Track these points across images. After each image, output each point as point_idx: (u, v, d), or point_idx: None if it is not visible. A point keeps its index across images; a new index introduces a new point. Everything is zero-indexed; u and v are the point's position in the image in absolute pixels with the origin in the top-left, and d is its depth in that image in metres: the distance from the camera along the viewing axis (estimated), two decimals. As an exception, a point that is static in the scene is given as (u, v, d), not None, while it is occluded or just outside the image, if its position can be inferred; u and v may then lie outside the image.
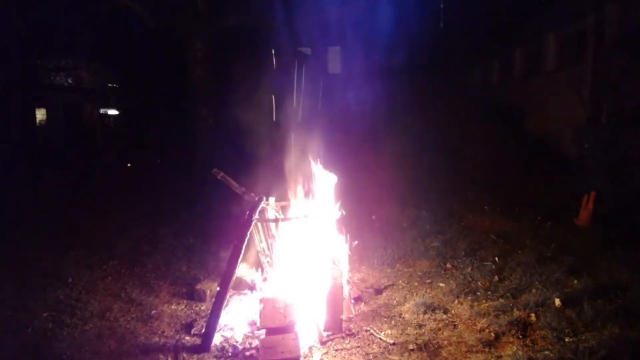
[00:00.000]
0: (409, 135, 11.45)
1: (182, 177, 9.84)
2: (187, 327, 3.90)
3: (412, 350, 3.44)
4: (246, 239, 3.76)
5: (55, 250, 5.59)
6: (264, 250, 4.44)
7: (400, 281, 4.83)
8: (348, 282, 4.37)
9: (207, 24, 10.02)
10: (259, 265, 4.55)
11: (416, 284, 4.75)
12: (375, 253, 5.55)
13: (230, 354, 3.44)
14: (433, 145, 11.78)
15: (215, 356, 3.43)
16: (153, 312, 4.17)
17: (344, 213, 4.42)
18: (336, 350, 3.50)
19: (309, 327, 3.67)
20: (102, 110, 24.68)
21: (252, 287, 4.45)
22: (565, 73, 11.03)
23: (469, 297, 4.28)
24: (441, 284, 4.65)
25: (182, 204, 7.78)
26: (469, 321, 3.87)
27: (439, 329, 3.74)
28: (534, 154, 10.77)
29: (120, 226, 6.66)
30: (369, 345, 3.56)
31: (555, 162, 9.94)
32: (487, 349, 3.40)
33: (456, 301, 4.24)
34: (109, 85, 23.38)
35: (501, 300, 4.17)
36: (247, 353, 3.44)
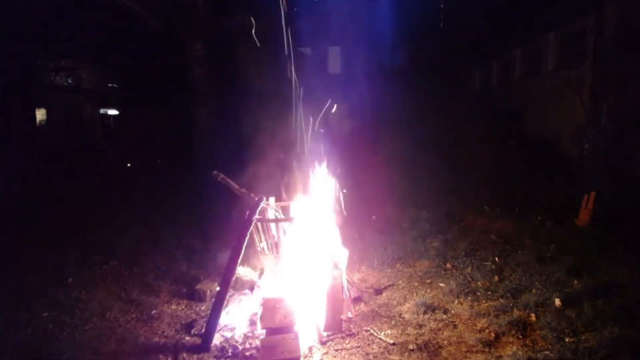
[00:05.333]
0: (409, 135, 11.47)
1: (182, 177, 9.85)
2: (187, 327, 3.90)
3: (412, 350, 3.44)
4: (246, 239, 3.76)
5: (55, 250, 5.59)
6: (263, 250, 4.45)
7: (400, 281, 4.83)
8: (348, 282, 4.37)
9: (207, 24, 10.02)
10: (259, 265, 4.55)
11: (416, 284, 4.75)
12: (375, 253, 5.55)
13: (230, 354, 3.44)
14: (433, 145, 11.79)
15: (215, 356, 3.43)
16: (153, 312, 4.17)
17: (344, 213, 4.42)
18: (336, 350, 3.50)
19: (309, 327, 3.67)
20: (102, 110, 24.69)
21: (252, 287, 4.45)
22: (565, 73, 11.03)
23: (469, 297, 4.28)
24: (441, 284, 4.65)
25: (182, 204, 7.78)
26: (469, 321, 3.87)
27: (439, 329, 3.74)
28: (534, 154, 10.77)
29: (120, 226, 6.66)
30: (369, 345, 3.57)
31: (555, 162, 9.94)
32: (487, 349, 3.41)
33: (456, 301, 4.24)
34: (109, 85, 23.39)
35: (501, 300, 4.17)
36: (247, 353, 3.44)
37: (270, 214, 4.38)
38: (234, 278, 3.79)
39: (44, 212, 7.57)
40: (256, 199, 3.86)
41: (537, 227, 6.29)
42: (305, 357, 3.40)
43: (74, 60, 19.03)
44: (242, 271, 4.48)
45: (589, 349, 3.22)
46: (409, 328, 3.79)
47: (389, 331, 3.76)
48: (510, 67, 15.46)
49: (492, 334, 3.60)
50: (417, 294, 4.44)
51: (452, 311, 4.05)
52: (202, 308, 4.26)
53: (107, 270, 5.12)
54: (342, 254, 4.36)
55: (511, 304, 4.03)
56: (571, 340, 3.42)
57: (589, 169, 7.23)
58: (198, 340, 3.64)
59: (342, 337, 3.67)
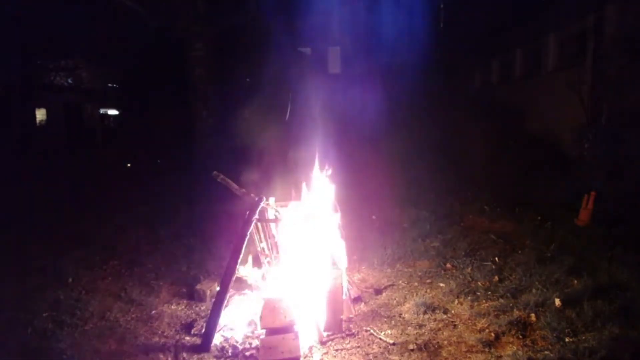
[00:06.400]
0: (409, 135, 11.46)
1: (182, 177, 9.84)
2: (187, 327, 3.90)
3: (412, 350, 3.44)
4: (246, 239, 3.76)
5: (55, 250, 5.59)
6: (264, 250, 4.45)
7: (400, 281, 4.83)
8: (348, 282, 4.37)
9: (207, 24, 10.02)
10: (259, 265, 4.55)
11: (416, 284, 4.75)
12: (375, 253, 5.55)
13: (230, 354, 3.45)
14: (433, 145, 11.79)
15: (215, 356, 3.43)
16: (153, 312, 4.17)
17: (339, 212, 4.42)
18: (336, 350, 3.51)
19: (309, 327, 3.67)
20: (102, 110, 24.70)
21: (252, 287, 4.45)
22: (565, 73, 11.03)
23: (469, 297, 4.28)
24: (441, 284, 4.65)
25: (182, 204, 7.78)
26: (469, 321, 3.87)
27: (439, 329, 3.74)
28: (534, 154, 10.76)
29: (120, 226, 6.67)
30: (369, 345, 3.57)
31: (555, 162, 9.94)
32: (487, 349, 3.41)
33: (456, 301, 4.24)
34: (109, 85, 23.40)
35: (501, 300, 4.17)
36: (247, 353, 3.44)
37: (271, 214, 4.38)
38: (234, 278, 3.79)
39: (44, 212, 7.56)
40: (256, 199, 3.86)
41: (537, 227, 6.29)
42: (305, 357, 3.40)
43: (74, 60, 19.04)
44: (242, 271, 4.48)
45: (589, 349, 3.22)
46: (409, 328, 3.79)
47: (389, 331, 3.76)
48: (510, 67, 15.44)
49: (492, 334, 3.60)
50: (417, 294, 4.44)
51: (452, 311, 4.05)
52: (202, 308, 4.26)
53: (107, 270, 5.12)
54: (342, 254, 4.35)
55: (511, 304, 4.03)
56: (571, 340, 3.42)
57: (589, 169, 7.22)
58: (198, 340, 3.64)
59: (342, 337, 3.67)
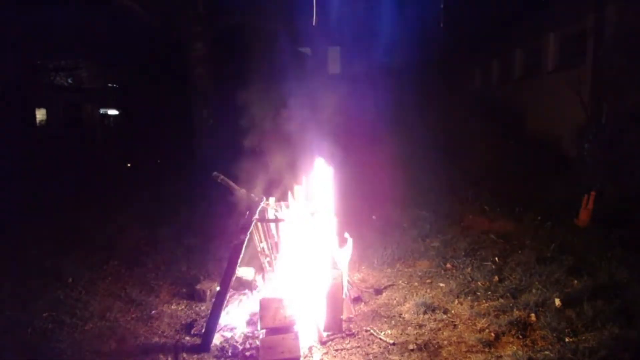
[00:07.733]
0: (409, 135, 11.46)
1: (182, 177, 9.84)
2: (187, 327, 3.90)
3: (412, 350, 3.44)
4: (246, 239, 3.76)
5: (55, 250, 5.59)
6: (264, 250, 4.45)
7: (400, 281, 4.83)
8: (348, 282, 4.37)
9: (207, 24, 10.03)
10: (259, 265, 4.55)
11: (416, 284, 4.75)
12: (375, 253, 5.55)
13: (230, 354, 3.45)
14: (433, 145, 11.78)
15: (215, 356, 3.43)
16: (153, 312, 4.17)
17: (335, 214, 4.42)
18: (336, 350, 3.51)
19: (309, 327, 3.67)
20: (102, 110, 24.71)
21: (252, 287, 4.45)
22: (565, 73, 11.03)
23: (469, 297, 4.28)
24: (441, 284, 4.66)
25: (182, 204, 7.78)
26: (469, 321, 3.87)
27: (439, 329, 3.75)
28: (534, 154, 10.76)
29: (120, 226, 6.66)
30: (369, 345, 3.57)
31: (555, 162, 9.93)
32: (487, 349, 3.41)
33: (456, 301, 4.24)
34: (109, 85, 23.40)
35: (501, 300, 4.17)
36: (247, 353, 3.44)
37: (270, 214, 4.38)
38: (234, 278, 3.79)
39: (44, 212, 7.56)
40: (256, 199, 3.87)
41: (537, 227, 6.29)
42: (305, 357, 3.40)
43: (74, 60, 19.06)
44: (242, 271, 4.48)
45: (589, 349, 3.22)
46: (409, 328, 3.79)
47: (389, 331, 3.76)
48: (510, 67, 15.45)
49: (492, 334, 3.60)
50: (417, 294, 4.44)
51: (452, 311, 4.05)
52: (202, 308, 4.26)
53: (107, 270, 5.12)
54: (342, 254, 4.35)
55: (511, 304, 4.03)
56: (571, 340, 3.42)
57: (589, 169, 7.21)
58: (198, 340, 3.64)
59: (342, 337, 3.67)
